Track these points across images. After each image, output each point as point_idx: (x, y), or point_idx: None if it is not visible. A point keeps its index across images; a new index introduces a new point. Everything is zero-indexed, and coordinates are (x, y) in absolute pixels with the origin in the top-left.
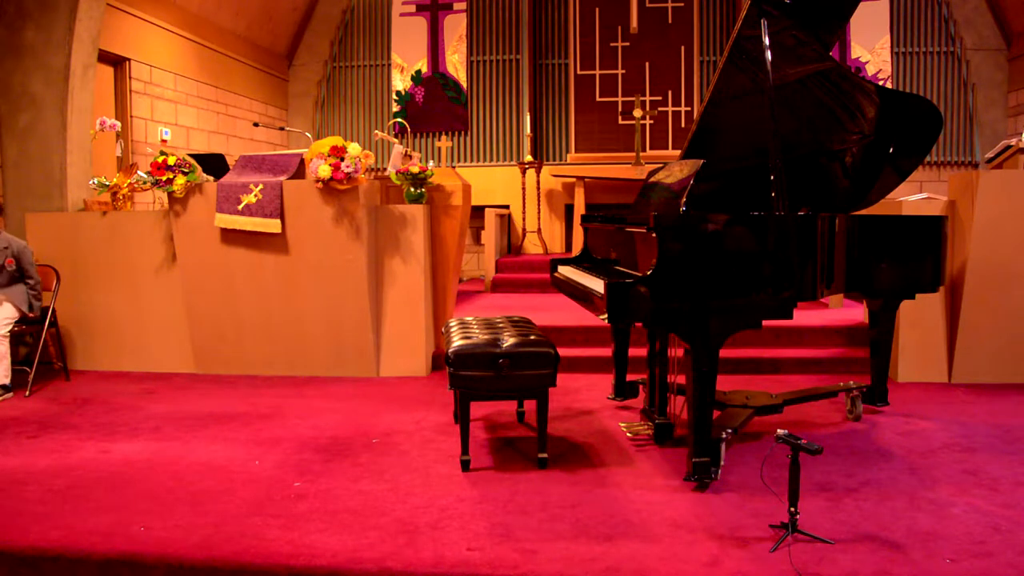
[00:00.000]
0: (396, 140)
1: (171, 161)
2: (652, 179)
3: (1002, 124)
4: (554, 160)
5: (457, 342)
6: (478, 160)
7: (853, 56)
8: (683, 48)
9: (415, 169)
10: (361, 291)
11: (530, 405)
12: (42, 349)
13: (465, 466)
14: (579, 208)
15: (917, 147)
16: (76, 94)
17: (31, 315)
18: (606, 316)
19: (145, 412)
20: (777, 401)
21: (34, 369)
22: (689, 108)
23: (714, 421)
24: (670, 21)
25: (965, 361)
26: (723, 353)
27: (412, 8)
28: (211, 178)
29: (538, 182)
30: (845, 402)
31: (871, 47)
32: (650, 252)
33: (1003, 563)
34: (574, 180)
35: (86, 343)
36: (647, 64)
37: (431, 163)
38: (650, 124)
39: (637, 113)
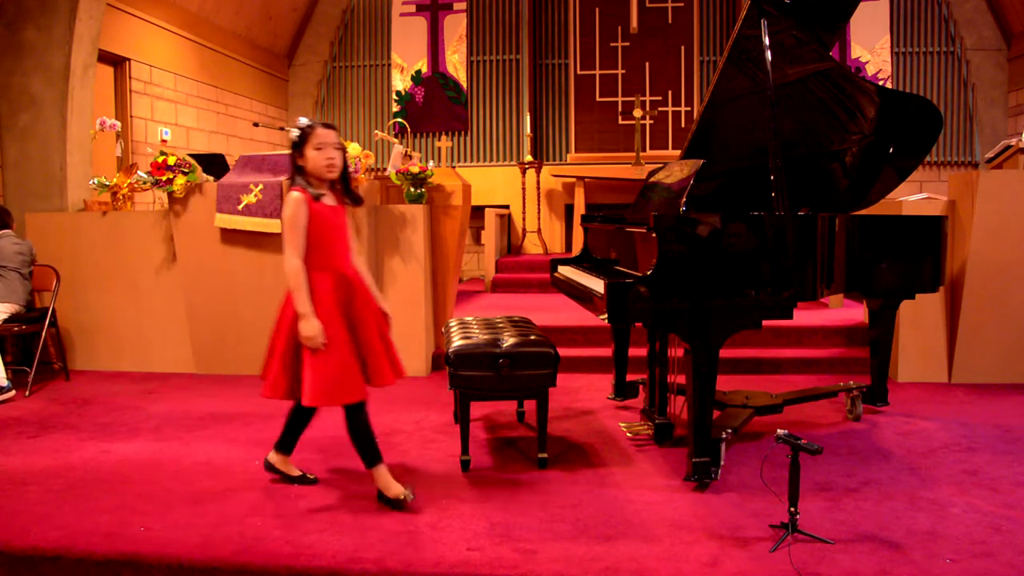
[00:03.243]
0: (396, 140)
1: (171, 161)
2: (652, 179)
3: (1002, 124)
4: (554, 160)
5: (457, 342)
6: (478, 160)
7: (853, 56)
8: (683, 48)
9: (415, 169)
10: None
11: (530, 405)
12: (42, 349)
13: (465, 466)
14: (579, 208)
15: (917, 147)
16: (76, 94)
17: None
18: (606, 316)
19: (145, 412)
20: (777, 401)
21: (34, 369)
22: (689, 108)
23: (714, 421)
24: (670, 21)
25: (965, 361)
26: (723, 353)
27: (412, 8)
28: (211, 178)
29: (538, 182)
30: (845, 402)
31: (871, 47)
32: (650, 252)
33: (1003, 563)
34: (574, 180)
35: (86, 343)
36: (647, 64)
37: (431, 163)
38: (650, 124)
39: (637, 113)
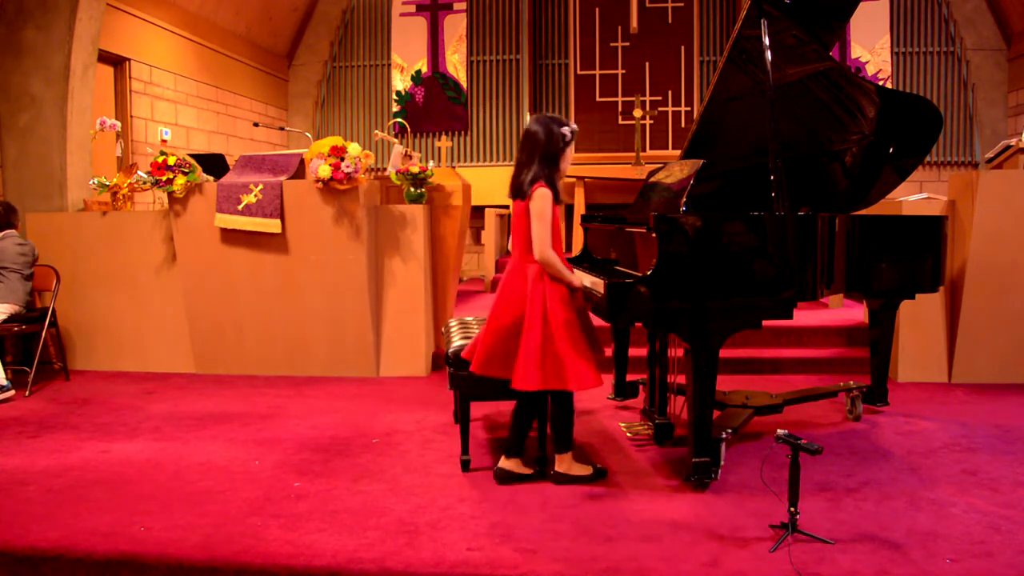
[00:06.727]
0: (396, 140)
1: (171, 161)
2: (652, 179)
3: (1002, 124)
4: None
5: (457, 342)
6: (478, 160)
7: (853, 56)
8: (683, 48)
9: (415, 169)
10: (361, 291)
11: None
12: (42, 349)
13: (465, 466)
14: (579, 208)
15: (917, 147)
16: (76, 94)
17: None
18: (606, 316)
19: (145, 412)
20: (777, 401)
21: (34, 369)
22: (689, 108)
23: (714, 421)
24: (670, 21)
25: (965, 361)
26: (723, 353)
27: (412, 8)
28: (211, 178)
29: None
30: (845, 402)
31: (871, 47)
32: (650, 252)
33: (1003, 563)
34: (574, 180)
35: (86, 343)
36: (647, 64)
37: (431, 163)
38: (650, 124)
39: (637, 113)
